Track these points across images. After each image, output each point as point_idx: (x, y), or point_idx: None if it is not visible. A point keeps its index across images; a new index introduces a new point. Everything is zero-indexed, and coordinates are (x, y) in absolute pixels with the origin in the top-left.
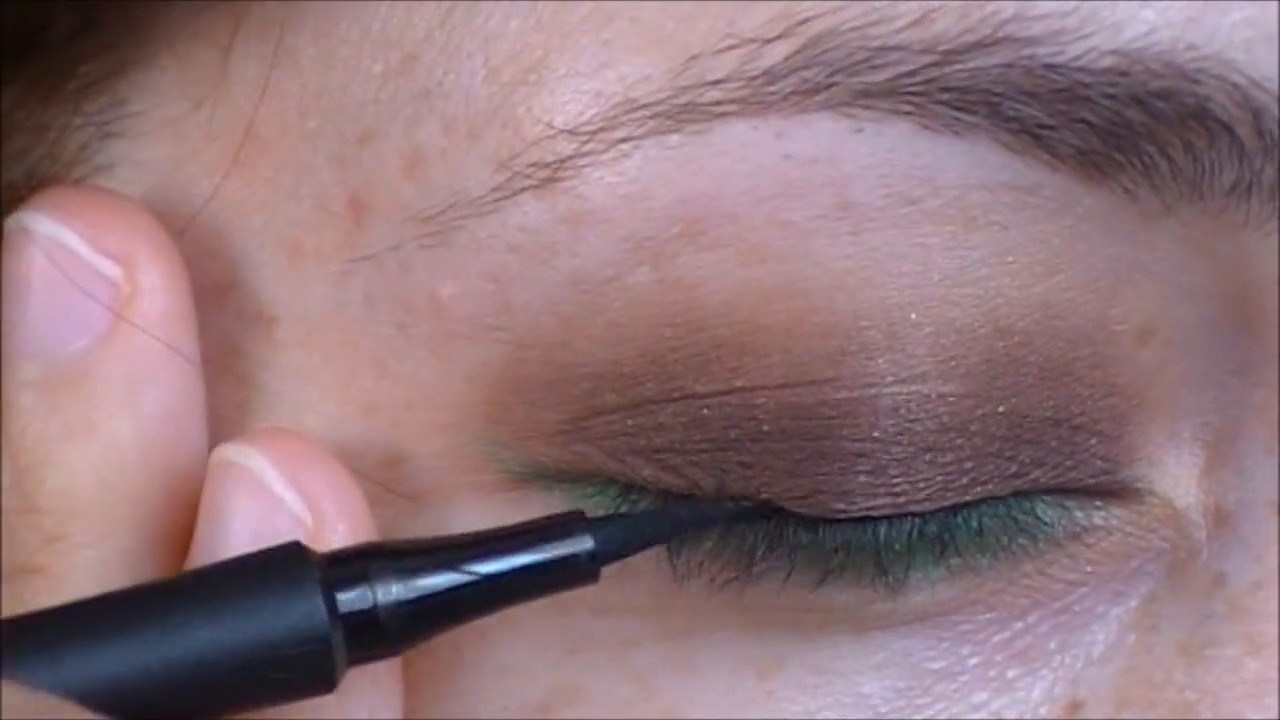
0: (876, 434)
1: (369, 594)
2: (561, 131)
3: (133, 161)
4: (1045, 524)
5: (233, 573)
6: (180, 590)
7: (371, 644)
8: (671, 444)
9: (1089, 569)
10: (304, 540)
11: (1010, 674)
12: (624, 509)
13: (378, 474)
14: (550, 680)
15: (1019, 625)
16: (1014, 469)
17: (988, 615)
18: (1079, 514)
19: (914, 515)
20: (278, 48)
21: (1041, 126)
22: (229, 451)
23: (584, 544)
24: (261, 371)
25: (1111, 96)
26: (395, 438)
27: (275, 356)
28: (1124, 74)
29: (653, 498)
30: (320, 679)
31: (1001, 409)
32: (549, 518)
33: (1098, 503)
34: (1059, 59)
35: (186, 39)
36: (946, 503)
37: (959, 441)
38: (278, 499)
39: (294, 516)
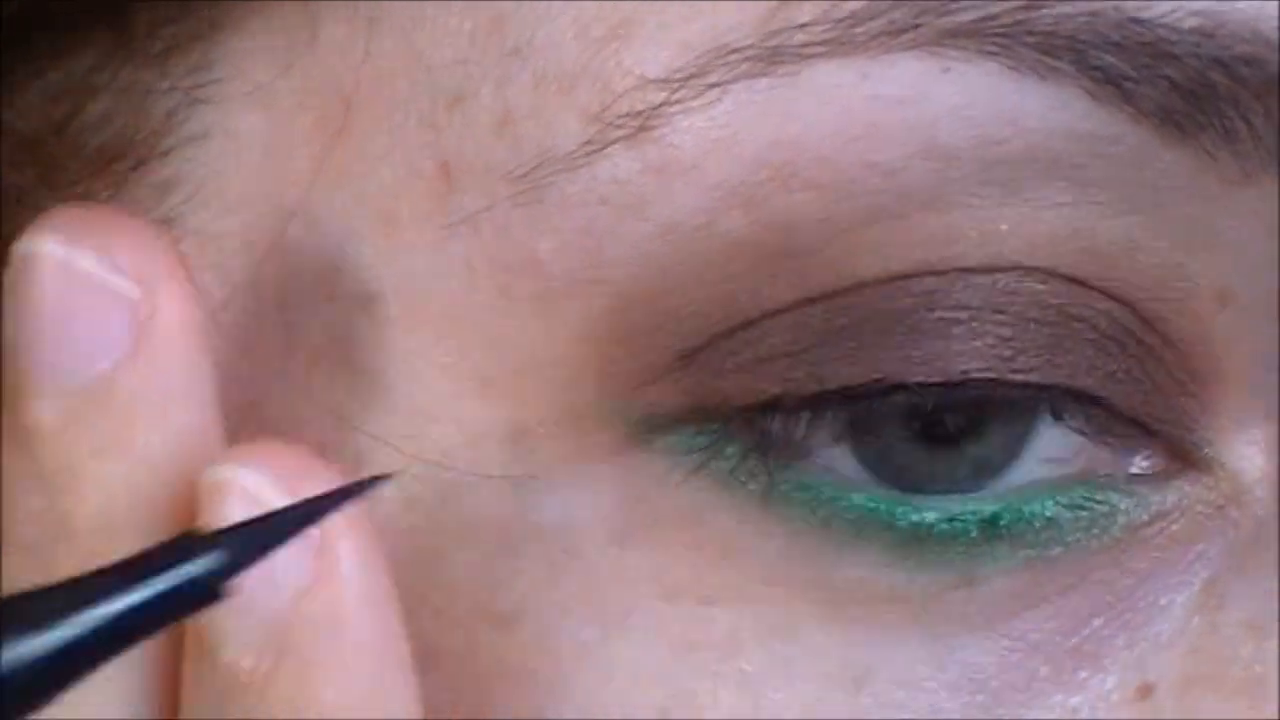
0: (977, 304)
1: None
2: (652, 81)
3: (226, 131)
4: (1119, 509)
5: None
6: None
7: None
8: (777, 350)
9: (1156, 555)
10: (310, 558)
11: (1081, 675)
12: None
13: (501, 456)
14: (663, 684)
15: (1086, 631)
16: (1111, 366)
17: (1054, 623)
18: (1152, 496)
19: (1014, 383)
20: (366, 9)
21: (1125, 79)
22: (224, 471)
23: (208, 562)
24: (373, 355)
25: (1196, 56)
26: (513, 411)
27: (384, 337)
28: (1209, 35)
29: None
30: None
31: (1095, 309)
32: (161, 544)
33: (1170, 480)
34: (1145, 14)
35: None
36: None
37: (1055, 320)
38: None
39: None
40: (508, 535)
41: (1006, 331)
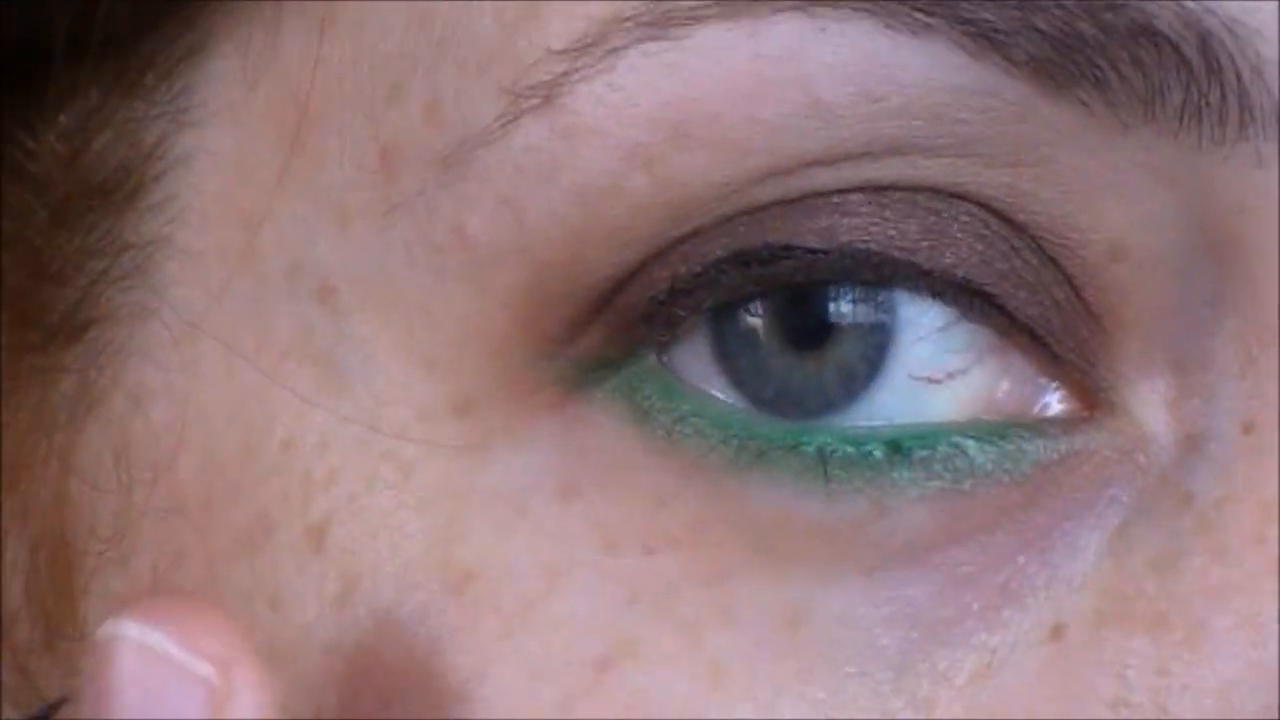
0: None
1: None
2: (556, 52)
3: (206, 151)
4: (1028, 449)
5: None
6: None
7: None
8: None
9: (1070, 495)
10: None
11: (1005, 614)
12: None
13: (451, 428)
14: (606, 634)
15: (1010, 568)
16: (1002, 265)
17: (982, 558)
18: (1061, 438)
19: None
20: (317, 9)
21: (997, 31)
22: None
23: None
24: (334, 347)
25: (1061, 5)
26: (457, 384)
27: (342, 328)
28: None
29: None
30: None
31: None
32: None
33: (1078, 425)
34: None
35: (240, 20)
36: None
37: (940, 208)
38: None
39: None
40: (460, 502)
41: (890, 214)
